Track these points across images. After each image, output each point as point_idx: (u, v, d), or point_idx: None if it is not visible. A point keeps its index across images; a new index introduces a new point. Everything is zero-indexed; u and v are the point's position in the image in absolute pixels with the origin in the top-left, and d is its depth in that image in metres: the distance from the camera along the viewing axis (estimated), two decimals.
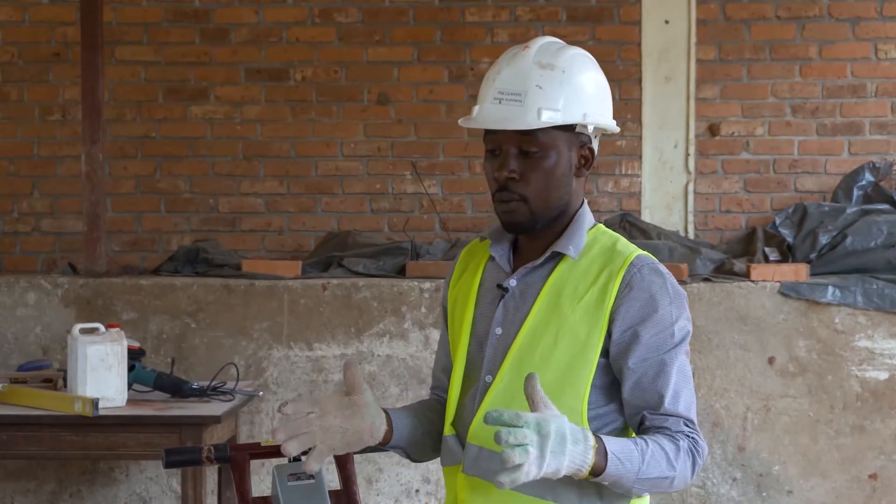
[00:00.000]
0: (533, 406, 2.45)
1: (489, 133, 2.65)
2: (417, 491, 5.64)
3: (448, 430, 2.73)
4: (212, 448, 2.90)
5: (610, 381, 2.63)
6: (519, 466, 2.37)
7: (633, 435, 2.64)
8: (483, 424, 2.53)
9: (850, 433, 5.59)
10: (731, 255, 6.08)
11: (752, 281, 5.64)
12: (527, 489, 2.53)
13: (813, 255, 5.91)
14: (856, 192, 6.24)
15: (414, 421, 2.78)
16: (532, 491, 2.57)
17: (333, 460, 2.98)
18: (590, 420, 2.61)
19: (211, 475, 5.38)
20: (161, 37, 6.45)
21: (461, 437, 2.70)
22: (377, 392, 5.62)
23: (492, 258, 2.76)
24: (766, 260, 5.93)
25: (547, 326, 2.62)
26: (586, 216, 2.70)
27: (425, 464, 5.56)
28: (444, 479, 2.77)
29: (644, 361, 2.58)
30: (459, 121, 2.71)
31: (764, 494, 5.59)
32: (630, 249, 2.66)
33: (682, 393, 2.60)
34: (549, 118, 2.59)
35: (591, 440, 2.46)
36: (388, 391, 5.63)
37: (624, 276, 2.60)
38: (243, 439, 5.44)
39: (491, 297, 2.72)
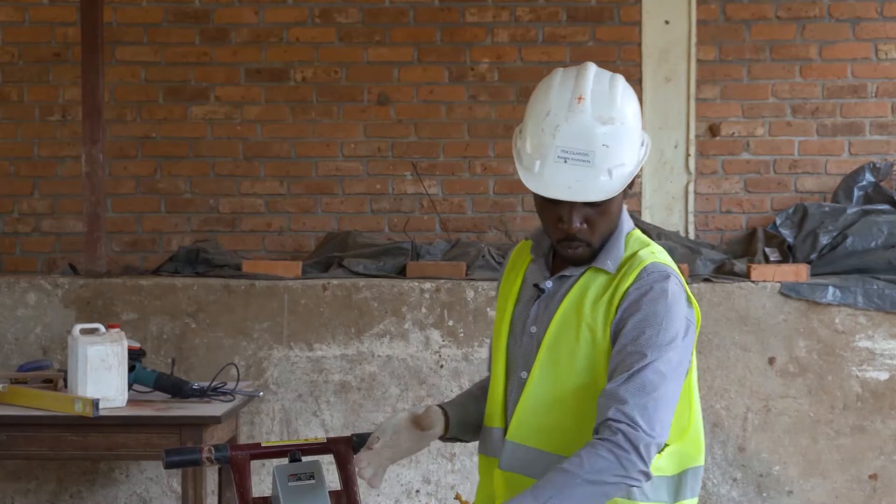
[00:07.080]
0: None
1: None
2: (418, 491, 5.63)
3: (495, 422, 2.84)
4: (212, 448, 2.91)
5: None
6: None
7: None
8: (520, 423, 2.75)
9: (850, 433, 5.59)
10: (732, 255, 6.08)
11: (753, 281, 5.64)
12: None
13: (813, 256, 5.91)
14: (856, 193, 6.24)
15: (467, 412, 2.95)
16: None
17: (333, 460, 2.99)
18: None
19: (211, 475, 5.38)
20: (161, 37, 6.45)
21: (504, 430, 2.83)
22: (377, 393, 5.63)
23: (534, 259, 2.88)
24: (767, 260, 5.93)
25: (569, 324, 2.74)
26: (625, 224, 2.80)
27: (425, 464, 5.57)
28: (479, 464, 2.92)
29: (618, 353, 2.67)
30: (528, 184, 2.68)
31: (764, 495, 5.58)
32: (648, 256, 2.76)
33: (636, 377, 2.61)
34: (621, 176, 2.67)
35: None
36: (388, 391, 5.63)
37: (635, 280, 2.72)
38: (243, 440, 5.44)
39: (529, 297, 2.85)
